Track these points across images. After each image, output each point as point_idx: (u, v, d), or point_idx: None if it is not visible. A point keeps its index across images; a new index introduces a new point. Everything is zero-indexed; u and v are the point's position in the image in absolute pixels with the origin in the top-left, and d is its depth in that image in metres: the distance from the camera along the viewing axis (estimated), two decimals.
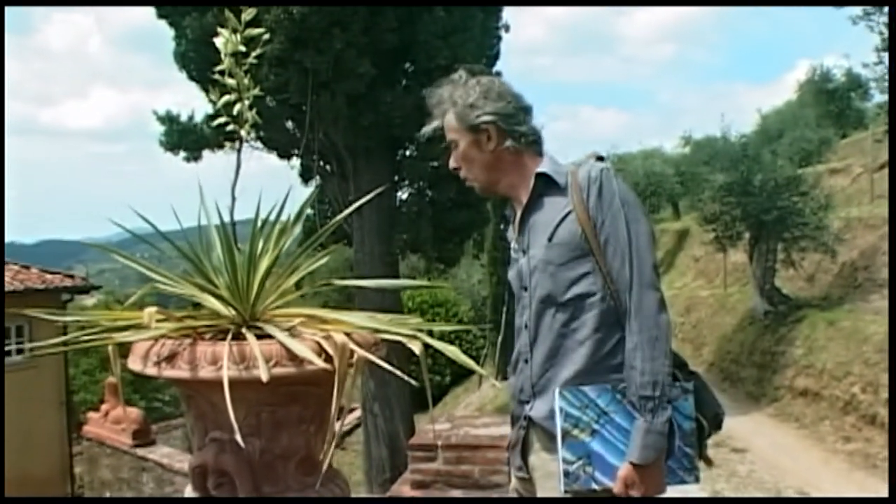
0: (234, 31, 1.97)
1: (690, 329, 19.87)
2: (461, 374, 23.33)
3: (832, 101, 24.73)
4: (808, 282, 16.00)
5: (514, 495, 2.46)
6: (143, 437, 11.02)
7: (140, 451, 10.83)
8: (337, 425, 1.76)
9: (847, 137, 22.50)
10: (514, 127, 2.34)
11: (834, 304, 13.62)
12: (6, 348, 15.63)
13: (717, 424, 2.35)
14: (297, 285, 2.03)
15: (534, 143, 2.38)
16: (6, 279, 15.77)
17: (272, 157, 14.39)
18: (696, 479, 2.23)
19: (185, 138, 13.96)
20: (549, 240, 2.24)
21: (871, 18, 12.93)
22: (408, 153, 14.19)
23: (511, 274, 2.40)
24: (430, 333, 1.87)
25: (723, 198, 15.66)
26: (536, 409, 2.25)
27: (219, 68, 1.99)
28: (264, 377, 1.58)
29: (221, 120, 2.02)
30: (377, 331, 1.79)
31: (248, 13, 1.95)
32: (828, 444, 11.05)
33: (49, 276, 16.86)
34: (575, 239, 2.21)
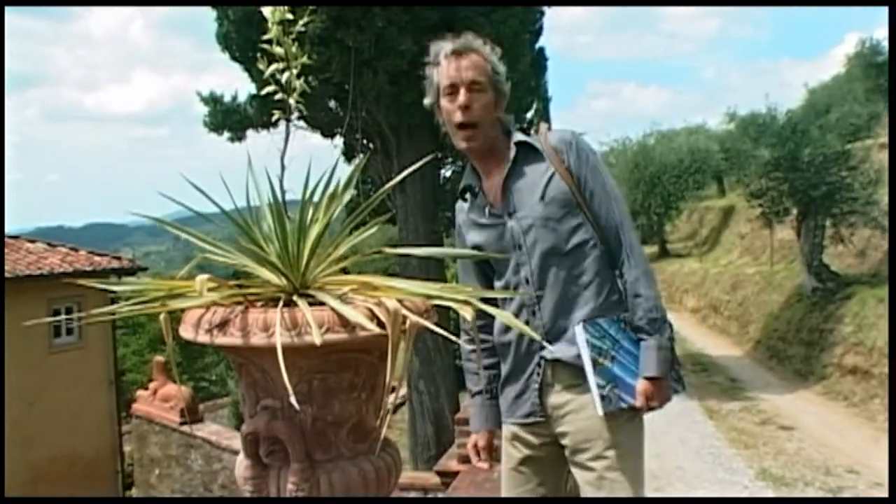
0: None
1: (737, 306, 19.70)
2: None
3: (882, 75, 24.20)
4: (858, 258, 15.76)
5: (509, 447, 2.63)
6: (191, 414, 11.16)
7: (188, 429, 10.98)
8: (392, 395, 1.75)
9: None
10: None
11: (884, 281, 13.40)
12: (58, 320, 15.86)
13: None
14: (345, 259, 2.02)
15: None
16: (55, 262, 16.05)
17: (316, 137, 14.47)
18: (683, 387, 2.58)
19: (228, 119, 14.06)
20: (542, 198, 2.45)
21: None
22: None
23: (488, 238, 2.55)
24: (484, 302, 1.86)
25: (769, 173, 15.48)
26: (561, 351, 2.46)
27: (266, 37, 1.98)
28: (317, 341, 1.57)
29: (270, 89, 2.01)
30: (429, 297, 1.77)
31: None
32: (878, 422, 10.91)
33: (97, 259, 17.13)
34: (566, 195, 2.44)
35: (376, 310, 1.67)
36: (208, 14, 13.17)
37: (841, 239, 14.91)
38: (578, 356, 2.40)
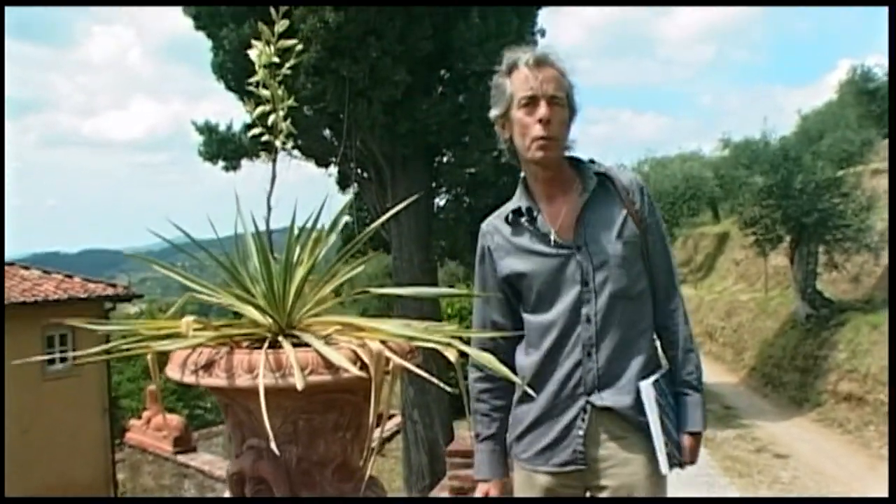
0: (268, 42, 1.98)
1: (731, 333, 19.70)
2: None
3: (874, 101, 24.32)
4: (852, 284, 15.79)
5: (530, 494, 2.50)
6: (184, 444, 11.13)
7: (181, 458, 10.94)
8: (375, 433, 1.77)
9: None
10: None
11: (878, 307, 13.43)
12: (51, 357, 15.87)
13: None
14: (336, 293, 2.03)
15: None
16: (50, 289, 16.03)
17: (310, 166, 14.52)
18: None
19: (223, 148, 14.12)
20: (619, 237, 2.36)
21: None
22: (445, 160, 14.24)
23: (540, 267, 2.38)
24: (468, 341, 1.88)
25: (763, 201, 15.54)
26: (615, 400, 2.34)
27: (253, 80, 2.00)
28: (299, 385, 1.58)
29: (257, 131, 2.04)
30: (412, 338, 1.78)
31: (282, 25, 1.96)
32: (873, 449, 10.89)
33: (91, 286, 17.11)
34: (636, 239, 2.38)
35: (360, 351, 1.68)
36: (205, 42, 13.26)
37: (834, 265, 14.95)
38: (632, 407, 2.32)
